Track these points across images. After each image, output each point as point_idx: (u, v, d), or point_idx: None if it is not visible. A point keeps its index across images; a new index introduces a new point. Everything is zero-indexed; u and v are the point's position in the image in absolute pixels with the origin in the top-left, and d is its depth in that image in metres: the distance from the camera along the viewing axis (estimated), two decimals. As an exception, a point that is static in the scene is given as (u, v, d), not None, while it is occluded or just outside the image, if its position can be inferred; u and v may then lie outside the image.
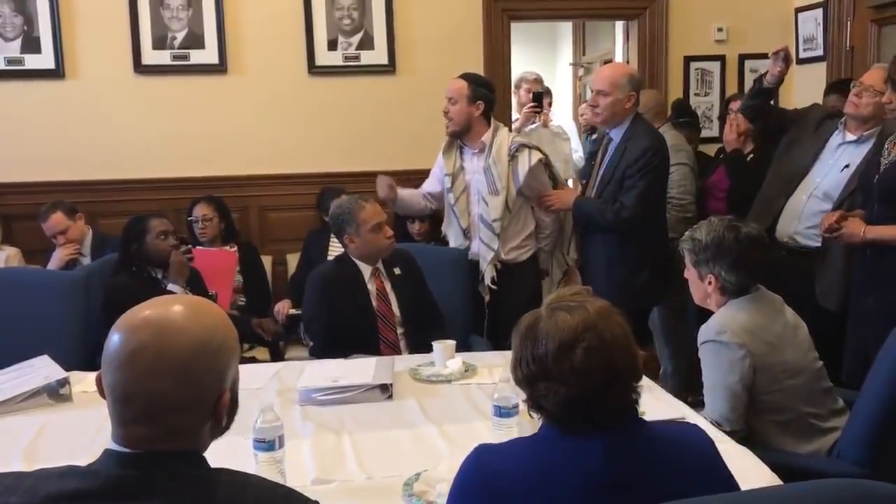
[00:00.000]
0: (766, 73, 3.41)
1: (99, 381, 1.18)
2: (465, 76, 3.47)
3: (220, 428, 1.21)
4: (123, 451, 1.13)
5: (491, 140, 3.41)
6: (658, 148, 3.29)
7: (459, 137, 3.46)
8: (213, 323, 1.19)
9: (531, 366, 1.36)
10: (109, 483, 1.10)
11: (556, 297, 1.42)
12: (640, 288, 3.33)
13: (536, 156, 3.42)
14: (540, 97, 3.90)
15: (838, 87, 3.81)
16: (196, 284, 3.39)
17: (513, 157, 3.38)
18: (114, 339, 1.15)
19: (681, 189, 3.91)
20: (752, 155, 3.94)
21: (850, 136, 3.19)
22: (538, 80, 4.89)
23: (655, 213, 3.38)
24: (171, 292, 3.07)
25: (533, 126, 3.84)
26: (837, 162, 3.20)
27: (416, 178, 4.15)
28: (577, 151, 5.05)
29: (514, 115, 4.80)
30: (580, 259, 3.64)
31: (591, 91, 3.44)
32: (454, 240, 3.57)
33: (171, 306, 1.18)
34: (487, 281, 3.44)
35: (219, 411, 1.18)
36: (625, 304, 1.45)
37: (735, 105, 4.05)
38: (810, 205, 3.21)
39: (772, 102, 3.54)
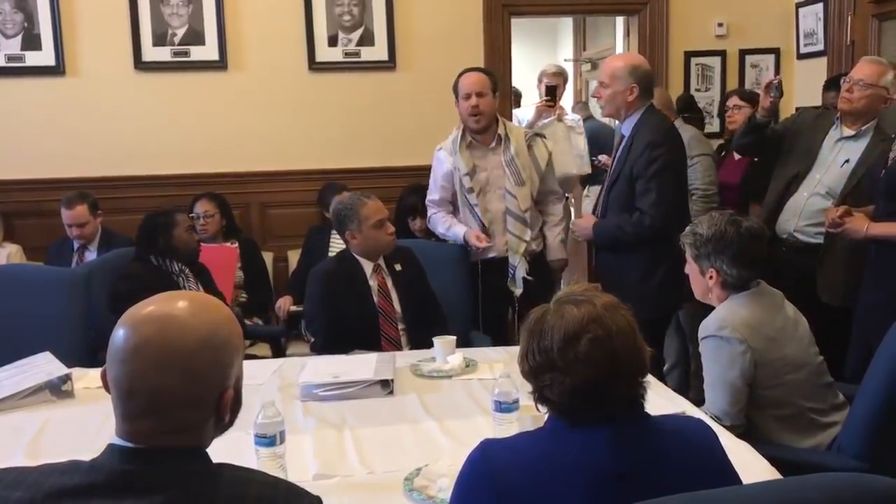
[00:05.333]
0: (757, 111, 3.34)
1: (104, 376, 1.19)
2: (480, 70, 3.47)
3: (223, 424, 1.21)
4: (127, 445, 1.14)
5: (505, 132, 3.41)
6: (662, 142, 3.06)
7: (483, 133, 3.39)
8: (217, 319, 1.20)
9: (537, 357, 1.37)
10: (112, 478, 1.11)
11: (566, 292, 1.44)
12: (654, 292, 3.07)
13: (548, 144, 3.48)
14: (554, 91, 3.84)
15: (838, 82, 3.80)
16: (207, 282, 3.39)
17: (529, 147, 3.43)
18: (119, 333, 1.16)
19: (706, 180, 3.85)
20: None
21: (848, 132, 3.18)
22: (557, 73, 4.62)
23: (676, 212, 3.07)
24: (181, 289, 3.06)
25: (547, 120, 3.81)
26: (837, 158, 3.19)
27: (415, 174, 4.17)
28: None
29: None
30: (593, 267, 3.61)
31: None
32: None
33: (176, 302, 1.19)
34: (523, 273, 3.40)
35: (222, 407, 1.18)
36: (639, 311, 1.42)
37: (732, 102, 4.07)
38: (811, 202, 3.20)
39: (770, 127, 3.40)
